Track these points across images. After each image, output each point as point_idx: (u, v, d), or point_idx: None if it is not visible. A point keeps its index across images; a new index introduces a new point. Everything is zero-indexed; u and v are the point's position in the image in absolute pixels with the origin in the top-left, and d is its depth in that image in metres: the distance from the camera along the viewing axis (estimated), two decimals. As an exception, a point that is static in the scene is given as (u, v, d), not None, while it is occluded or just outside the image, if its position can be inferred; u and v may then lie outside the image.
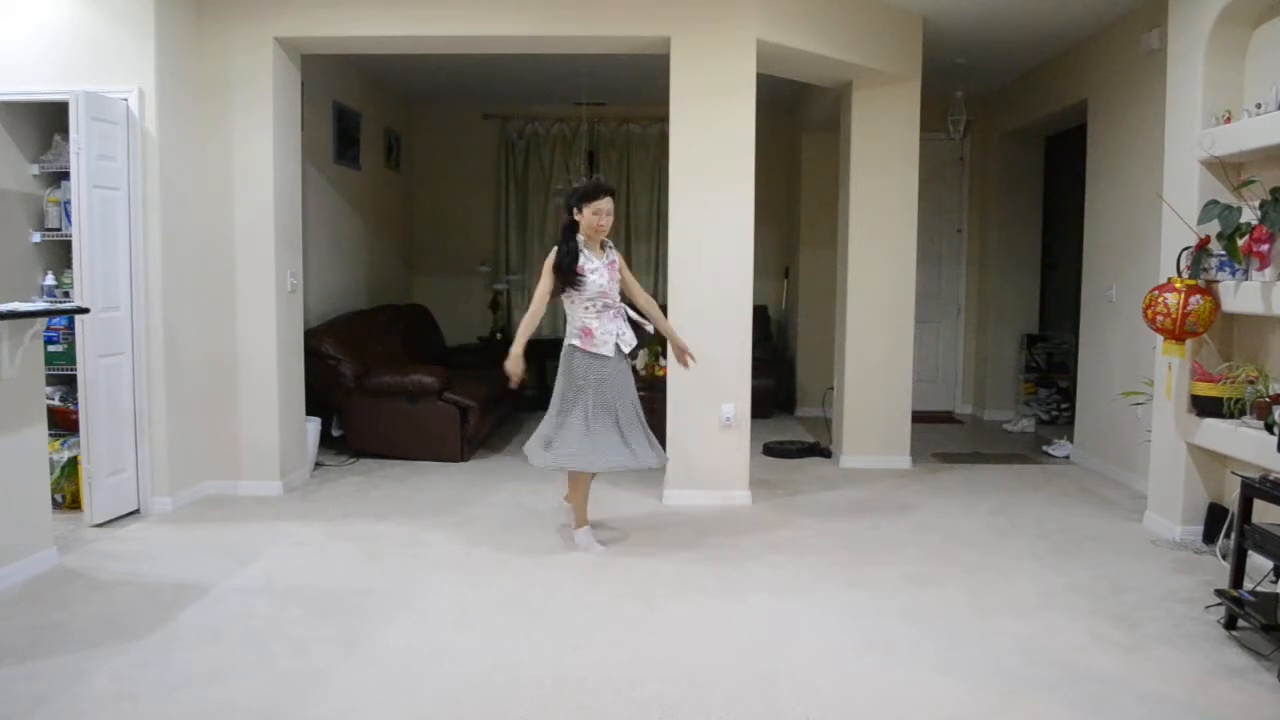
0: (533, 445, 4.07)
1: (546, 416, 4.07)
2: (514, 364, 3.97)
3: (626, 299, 4.14)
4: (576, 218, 3.96)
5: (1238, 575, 3.29)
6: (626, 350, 4.00)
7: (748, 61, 4.79)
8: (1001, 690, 2.78)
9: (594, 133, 8.32)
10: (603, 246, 4.04)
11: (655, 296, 4.15)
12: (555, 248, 3.98)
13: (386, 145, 7.71)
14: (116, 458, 4.44)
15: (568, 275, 3.91)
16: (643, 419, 4.08)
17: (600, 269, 3.95)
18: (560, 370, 4.03)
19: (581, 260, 3.94)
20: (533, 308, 3.98)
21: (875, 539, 4.33)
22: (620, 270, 4.09)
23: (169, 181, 4.60)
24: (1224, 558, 3.85)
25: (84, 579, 3.66)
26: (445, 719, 2.60)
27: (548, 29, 4.80)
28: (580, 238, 3.97)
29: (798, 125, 7.90)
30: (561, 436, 3.97)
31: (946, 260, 7.93)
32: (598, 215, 3.93)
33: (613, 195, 3.99)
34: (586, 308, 3.97)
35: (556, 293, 3.98)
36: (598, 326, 3.97)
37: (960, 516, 4.72)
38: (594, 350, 3.96)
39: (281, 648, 3.03)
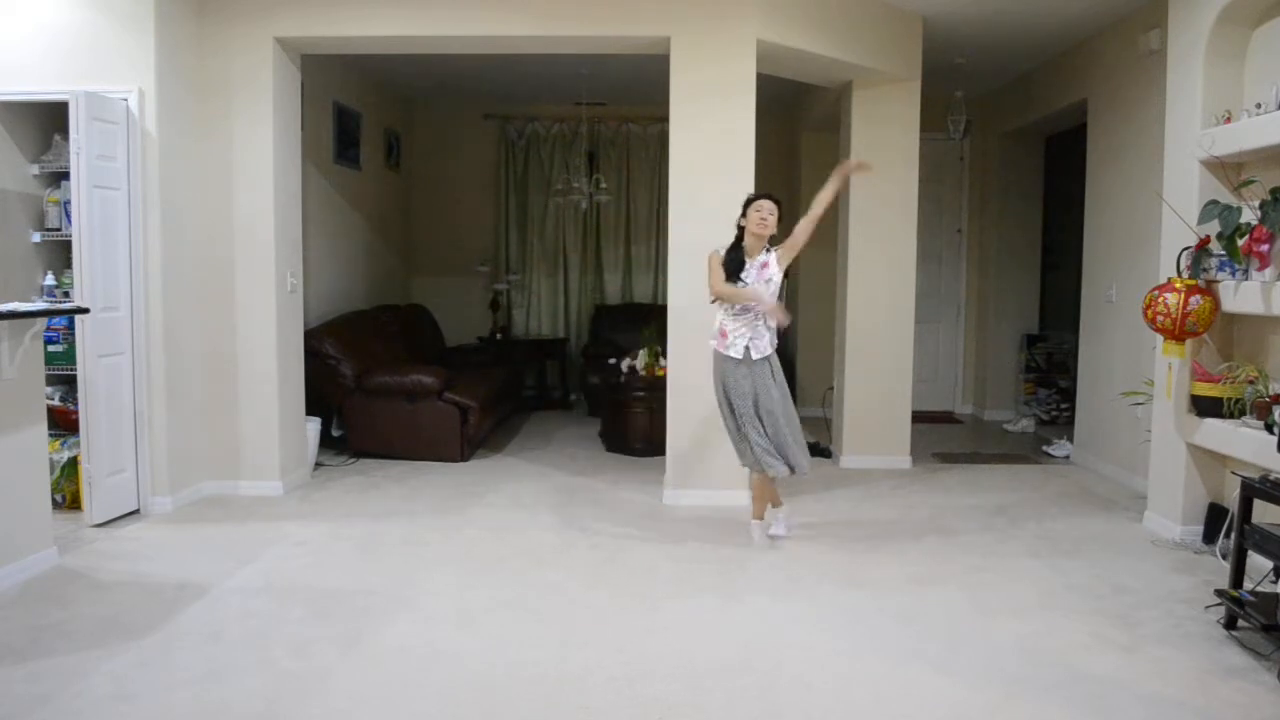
0: None
1: None
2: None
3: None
4: (742, 223, 4.07)
5: (1238, 575, 3.29)
6: (756, 356, 4.03)
7: (748, 61, 4.79)
8: (1001, 690, 2.78)
9: (594, 133, 8.31)
10: (766, 251, 4.09)
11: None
12: (726, 248, 4.08)
13: (386, 145, 7.71)
14: (116, 458, 4.44)
15: (731, 279, 4.01)
16: (782, 425, 4.08)
17: (749, 271, 4.03)
18: None
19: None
20: (723, 290, 4.02)
21: (875, 539, 4.33)
22: (783, 256, 4.08)
23: (169, 181, 4.60)
24: (1224, 558, 3.85)
25: (84, 579, 3.66)
26: (446, 719, 2.60)
27: (548, 29, 4.81)
28: (746, 243, 4.06)
29: (798, 125, 7.89)
30: (732, 437, 4.15)
31: (946, 260, 7.93)
32: (759, 212, 4.02)
33: (773, 200, 4.08)
34: (726, 308, 4.07)
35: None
36: (731, 328, 4.06)
37: (960, 517, 4.72)
38: (725, 352, 4.07)
39: (281, 648, 3.03)
